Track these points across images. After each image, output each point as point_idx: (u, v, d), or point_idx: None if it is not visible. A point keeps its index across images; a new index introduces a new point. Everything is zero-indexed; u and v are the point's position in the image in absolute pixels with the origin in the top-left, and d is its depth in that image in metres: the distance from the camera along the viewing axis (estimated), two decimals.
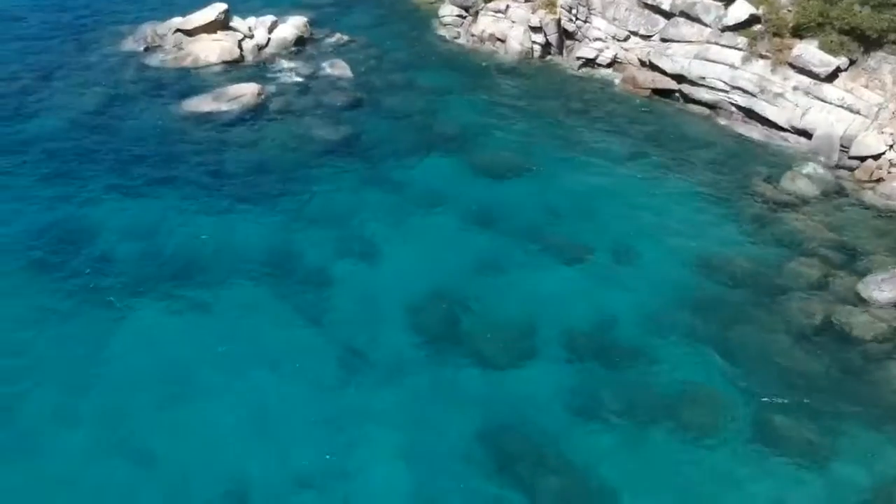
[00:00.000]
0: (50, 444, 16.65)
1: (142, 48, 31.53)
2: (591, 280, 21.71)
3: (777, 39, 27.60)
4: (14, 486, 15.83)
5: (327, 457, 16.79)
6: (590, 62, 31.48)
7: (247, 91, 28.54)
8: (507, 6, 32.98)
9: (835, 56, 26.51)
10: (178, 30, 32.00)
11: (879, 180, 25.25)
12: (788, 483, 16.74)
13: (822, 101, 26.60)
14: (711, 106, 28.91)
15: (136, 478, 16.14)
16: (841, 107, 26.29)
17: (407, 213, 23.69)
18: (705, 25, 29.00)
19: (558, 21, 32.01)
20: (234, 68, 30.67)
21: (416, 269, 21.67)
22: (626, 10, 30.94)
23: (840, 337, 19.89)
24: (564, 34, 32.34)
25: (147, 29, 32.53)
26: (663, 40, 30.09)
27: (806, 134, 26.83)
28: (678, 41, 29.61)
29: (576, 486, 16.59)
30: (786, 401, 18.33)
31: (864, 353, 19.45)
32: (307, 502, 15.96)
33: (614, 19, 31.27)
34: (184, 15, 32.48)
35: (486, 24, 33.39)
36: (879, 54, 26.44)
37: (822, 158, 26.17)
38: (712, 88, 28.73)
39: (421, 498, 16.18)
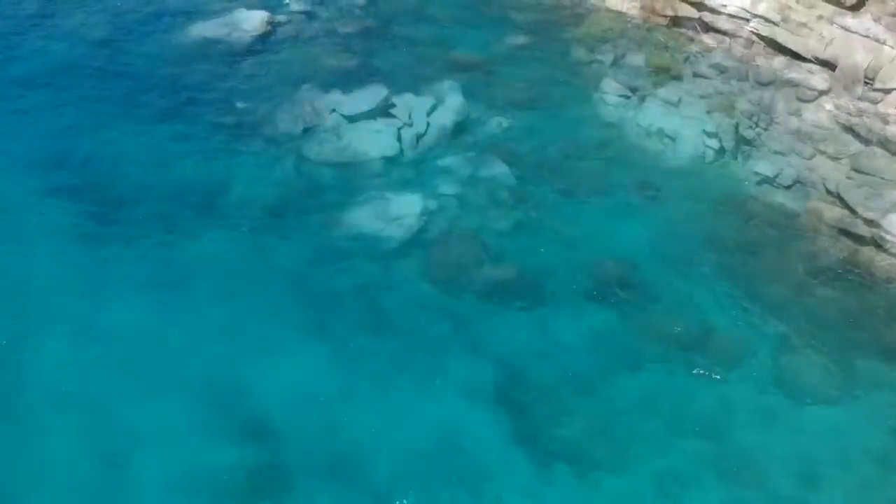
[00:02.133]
0: None
1: None
2: (610, 216, 21.55)
3: None
4: None
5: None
6: None
7: (255, 17, 27.74)
8: None
9: None
10: None
11: None
12: (807, 421, 16.88)
13: (848, 30, 25.79)
14: (731, 36, 28.12)
15: None
16: (867, 37, 25.47)
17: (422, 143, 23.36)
18: None
19: None
20: None
21: (432, 200, 21.51)
22: None
23: (862, 276, 19.80)
24: None
25: None
26: None
27: (829, 66, 26.12)
28: None
29: (595, 423, 16.75)
30: (805, 339, 18.35)
31: (887, 292, 19.37)
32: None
33: None
34: None
35: None
36: None
37: (845, 91, 25.55)
38: (733, 17, 27.86)
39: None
